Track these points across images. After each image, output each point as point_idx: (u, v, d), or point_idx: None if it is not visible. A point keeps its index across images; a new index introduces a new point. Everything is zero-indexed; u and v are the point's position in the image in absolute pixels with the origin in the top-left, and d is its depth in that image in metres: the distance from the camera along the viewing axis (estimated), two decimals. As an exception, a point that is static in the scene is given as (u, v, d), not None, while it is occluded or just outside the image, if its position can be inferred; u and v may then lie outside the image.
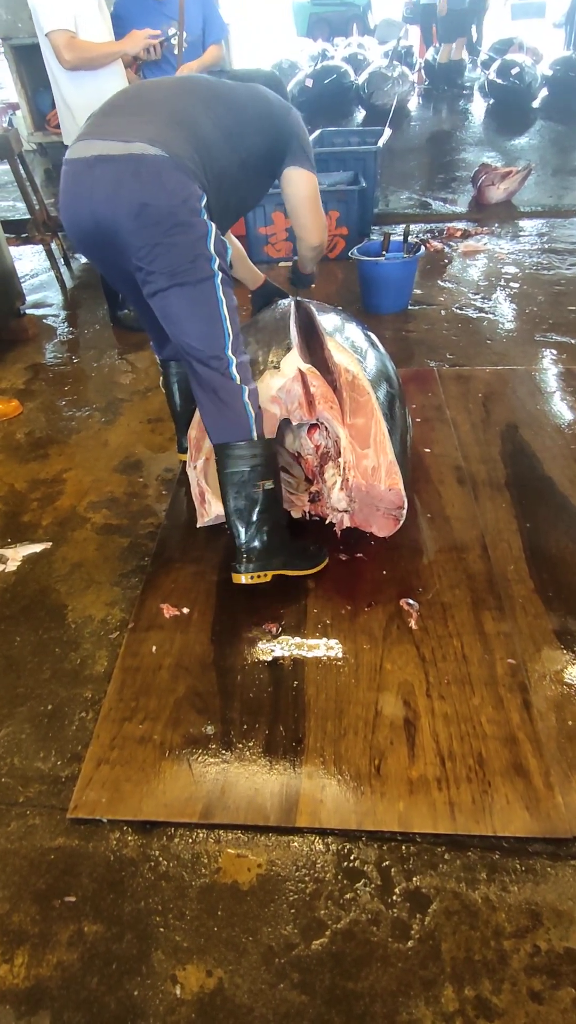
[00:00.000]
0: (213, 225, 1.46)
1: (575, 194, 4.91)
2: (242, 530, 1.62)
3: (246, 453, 1.56)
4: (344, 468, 1.66)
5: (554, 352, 2.83)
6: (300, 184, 1.73)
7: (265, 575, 1.65)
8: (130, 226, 1.42)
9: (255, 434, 1.57)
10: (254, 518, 1.60)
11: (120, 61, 2.77)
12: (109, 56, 2.67)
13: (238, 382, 1.54)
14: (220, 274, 1.48)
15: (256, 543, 1.63)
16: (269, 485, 1.59)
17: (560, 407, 2.43)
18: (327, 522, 1.78)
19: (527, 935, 1.06)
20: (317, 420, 1.72)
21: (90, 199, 1.44)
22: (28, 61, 5.94)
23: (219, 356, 1.52)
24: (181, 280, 1.46)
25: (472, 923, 1.08)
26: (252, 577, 1.64)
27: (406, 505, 1.68)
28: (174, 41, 2.97)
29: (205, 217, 1.44)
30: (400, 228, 3.44)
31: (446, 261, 3.90)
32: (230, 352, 1.53)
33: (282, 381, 1.71)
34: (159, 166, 1.39)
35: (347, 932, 1.08)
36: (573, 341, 2.91)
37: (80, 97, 2.75)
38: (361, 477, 1.66)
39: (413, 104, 7.64)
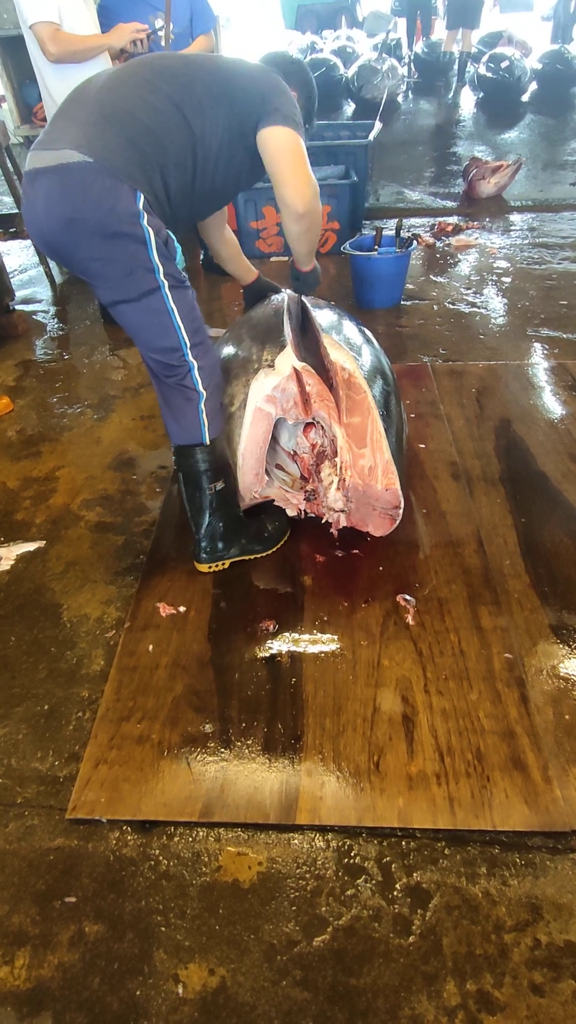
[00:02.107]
0: (152, 230, 1.37)
1: (565, 188, 4.93)
2: (198, 524, 1.71)
3: (199, 457, 1.64)
4: (341, 468, 1.65)
5: (546, 347, 2.84)
6: (271, 139, 1.50)
7: (224, 563, 1.75)
8: (65, 241, 1.40)
9: (207, 440, 1.62)
10: (207, 514, 1.70)
11: (106, 53, 2.74)
12: (94, 50, 2.64)
13: (199, 388, 1.56)
14: (167, 282, 1.43)
15: (211, 535, 1.72)
16: (220, 486, 1.67)
17: (552, 402, 2.44)
18: (323, 521, 1.78)
19: (527, 928, 1.07)
20: (313, 419, 1.72)
21: (35, 215, 1.41)
22: (14, 53, 5.83)
23: (178, 366, 1.53)
24: (124, 296, 1.44)
25: (473, 917, 1.09)
26: (211, 567, 1.75)
27: (402, 504, 1.68)
28: (161, 33, 2.94)
29: (143, 221, 1.35)
30: (392, 223, 3.43)
31: (438, 256, 3.90)
32: (190, 358, 1.53)
33: (277, 380, 1.70)
34: (83, 174, 1.32)
35: (348, 928, 1.09)
36: (565, 336, 2.92)
37: (66, 90, 2.70)
38: (358, 477, 1.65)
39: (403, 97, 7.62)
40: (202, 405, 1.57)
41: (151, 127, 1.39)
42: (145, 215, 1.36)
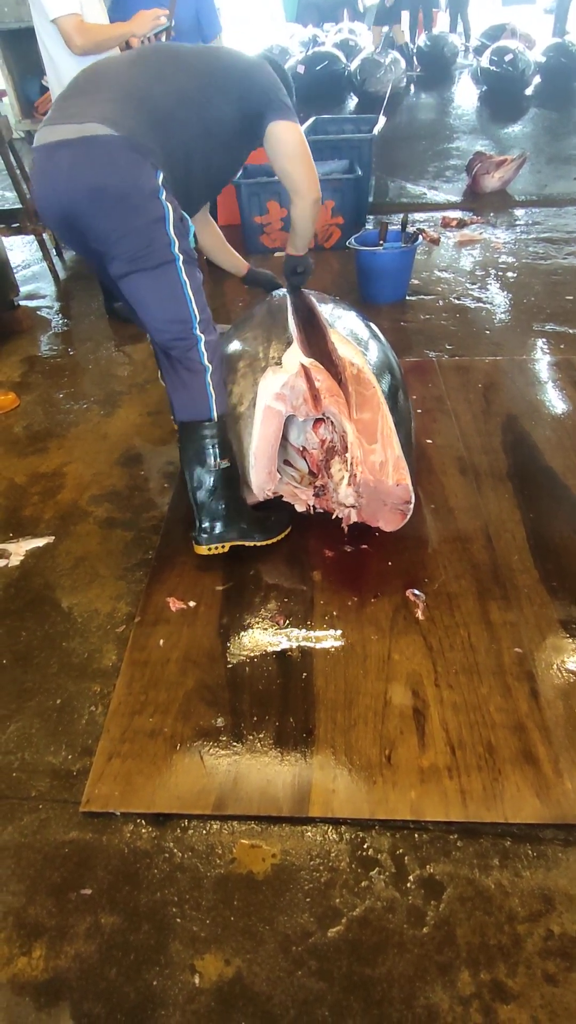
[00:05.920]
0: (171, 207, 1.44)
1: (569, 183, 4.90)
2: (201, 504, 1.70)
3: (207, 433, 1.64)
4: (352, 464, 1.65)
5: (552, 342, 2.83)
6: (285, 137, 1.64)
7: (223, 547, 1.74)
8: (88, 210, 1.42)
9: (215, 415, 1.63)
10: (212, 493, 1.69)
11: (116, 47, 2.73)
12: (118, 39, 2.60)
13: (205, 361, 1.59)
14: (181, 256, 1.49)
15: (212, 516, 1.71)
16: (225, 464, 1.67)
17: (559, 397, 2.44)
18: (333, 516, 1.78)
19: (540, 919, 1.08)
20: (323, 415, 1.72)
21: (53, 186, 1.44)
22: (14, 46, 5.81)
23: (185, 337, 1.57)
24: (140, 265, 1.48)
25: (486, 908, 1.10)
26: (211, 549, 1.73)
27: (413, 500, 1.68)
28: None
29: (163, 198, 1.42)
30: (396, 217, 3.42)
31: (443, 250, 3.89)
32: (198, 331, 1.57)
33: (285, 377, 1.70)
34: (110, 146, 1.38)
35: (363, 919, 1.10)
36: (571, 331, 2.91)
37: None
38: (369, 472, 1.65)
39: (406, 91, 7.58)
40: (208, 378, 1.61)
41: (171, 111, 1.46)
42: (164, 191, 1.43)
